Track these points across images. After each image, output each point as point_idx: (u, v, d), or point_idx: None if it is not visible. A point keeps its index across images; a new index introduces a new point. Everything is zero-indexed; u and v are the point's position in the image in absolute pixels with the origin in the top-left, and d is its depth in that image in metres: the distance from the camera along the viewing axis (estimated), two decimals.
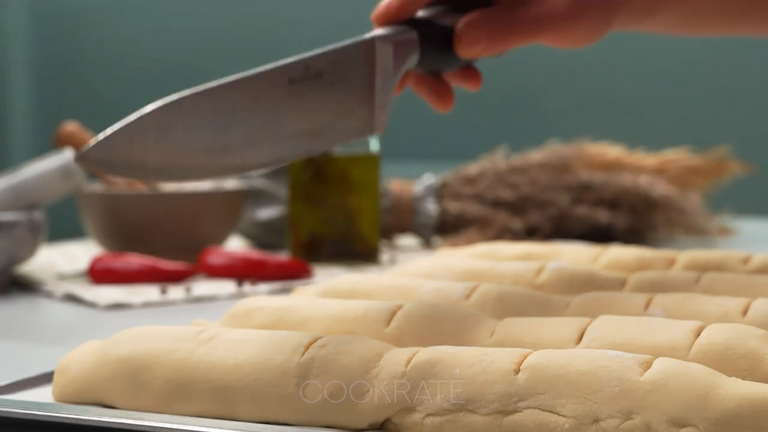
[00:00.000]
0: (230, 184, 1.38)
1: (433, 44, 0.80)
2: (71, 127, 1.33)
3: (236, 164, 0.71)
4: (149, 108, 0.67)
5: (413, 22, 0.79)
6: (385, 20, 0.79)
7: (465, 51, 0.81)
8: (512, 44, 0.82)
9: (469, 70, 0.85)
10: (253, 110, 0.71)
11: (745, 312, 0.73)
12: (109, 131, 0.65)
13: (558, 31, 0.83)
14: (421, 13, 0.81)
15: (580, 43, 0.85)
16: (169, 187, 1.37)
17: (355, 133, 0.77)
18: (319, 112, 0.74)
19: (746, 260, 0.89)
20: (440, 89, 0.84)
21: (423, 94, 0.85)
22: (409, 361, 0.64)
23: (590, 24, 0.84)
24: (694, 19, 0.92)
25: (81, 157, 0.65)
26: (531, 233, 1.40)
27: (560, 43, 0.84)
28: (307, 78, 0.73)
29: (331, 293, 0.86)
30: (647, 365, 0.60)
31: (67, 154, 1.23)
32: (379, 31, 0.78)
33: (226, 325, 0.78)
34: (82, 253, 1.40)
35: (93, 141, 0.65)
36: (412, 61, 0.80)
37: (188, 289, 1.14)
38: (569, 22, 0.83)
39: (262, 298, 0.79)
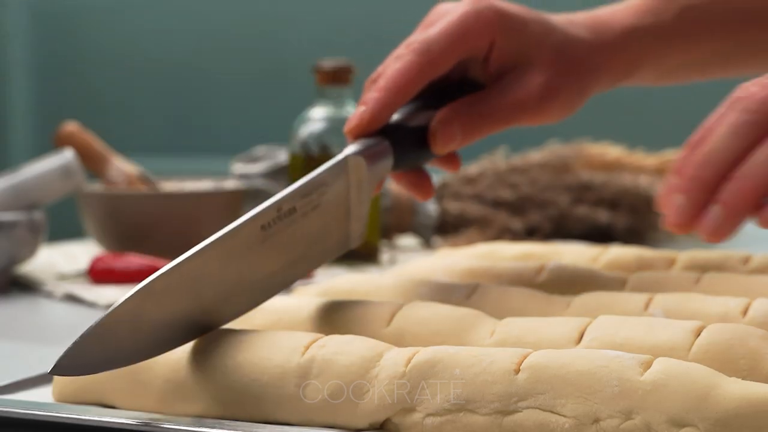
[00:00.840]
0: (230, 184, 1.38)
1: (406, 147, 0.80)
2: (71, 127, 1.33)
3: (214, 320, 0.69)
4: (120, 301, 0.64)
5: (385, 129, 0.79)
6: (358, 135, 0.79)
7: (441, 149, 0.81)
8: (487, 134, 0.82)
9: (449, 156, 0.85)
10: (227, 268, 0.69)
11: (745, 312, 0.73)
12: (79, 337, 0.63)
13: (533, 115, 0.83)
14: (393, 117, 0.80)
15: (556, 120, 0.85)
16: (169, 186, 1.37)
17: (332, 251, 0.77)
18: (295, 245, 0.73)
19: (746, 260, 0.89)
20: (419, 181, 0.84)
21: (403, 187, 0.84)
22: (409, 361, 0.64)
23: (564, 102, 0.84)
24: (670, 75, 0.93)
25: (55, 369, 0.63)
26: (531, 233, 1.40)
27: (537, 123, 0.84)
28: (280, 219, 0.71)
29: (331, 293, 0.86)
30: (647, 365, 0.60)
31: (67, 154, 1.23)
32: (350, 148, 0.77)
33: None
34: (82, 253, 1.40)
35: (65, 350, 0.63)
36: (387, 168, 0.79)
37: None
38: (543, 105, 0.83)
39: None
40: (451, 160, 0.85)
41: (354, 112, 0.79)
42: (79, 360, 0.63)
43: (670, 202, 0.63)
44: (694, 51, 0.91)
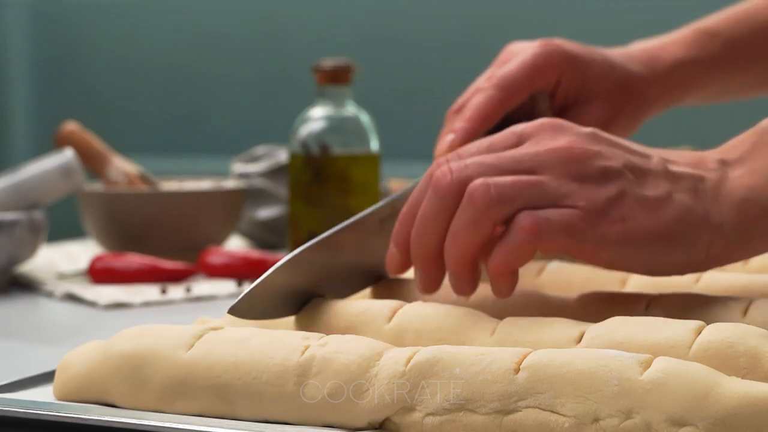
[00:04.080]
0: (230, 183, 1.38)
1: None
2: (71, 126, 1.33)
3: (335, 293, 0.81)
4: (276, 265, 0.77)
5: None
6: None
7: None
8: None
9: None
10: (351, 249, 0.81)
11: (745, 312, 0.73)
12: (246, 290, 0.76)
13: None
14: None
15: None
16: (169, 186, 1.37)
17: None
18: None
19: (746, 260, 0.89)
20: None
21: None
22: (409, 361, 0.64)
23: (620, 131, 0.95)
24: (713, 98, 1.05)
25: (232, 310, 0.75)
26: None
27: None
28: (393, 216, 0.82)
29: None
30: (647, 364, 0.60)
31: (68, 154, 1.23)
32: None
33: (231, 322, 0.78)
34: (82, 252, 1.40)
35: (242, 296, 0.76)
36: None
37: (188, 289, 1.14)
38: (604, 128, 0.93)
39: None
40: None
41: (443, 139, 0.89)
42: (249, 307, 0.76)
43: (391, 260, 0.79)
44: (736, 78, 1.03)
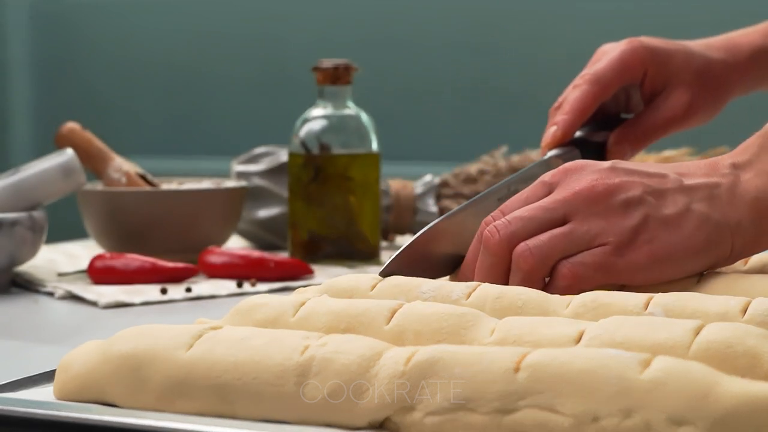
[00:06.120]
0: (230, 183, 1.38)
1: (588, 156, 1.00)
2: (71, 126, 1.33)
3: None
4: (419, 233, 0.87)
5: (574, 142, 1.03)
6: (553, 146, 1.01)
7: None
8: (649, 145, 1.05)
9: None
10: (474, 227, 0.87)
11: (744, 311, 0.73)
12: (390, 259, 0.86)
13: (680, 126, 1.05)
14: (577, 134, 1.04)
15: (700, 124, 1.07)
16: (169, 185, 1.37)
17: None
18: None
19: (746, 260, 0.89)
20: None
21: None
22: (408, 360, 0.64)
23: (705, 113, 1.05)
24: None
25: (383, 272, 0.84)
26: None
27: (683, 129, 1.06)
28: (508, 196, 0.90)
29: (332, 292, 0.86)
30: (647, 364, 0.60)
31: (68, 153, 1.23)
32: (552, 152, 1.01)
33: (230, 322, 0.78)
34: (82, 252, 1.40)
35: (390, 261, 0.86)
36: None
37: (188, 289, 1.14)
38: (688, 118, 1.05)
39: (266, 295, 0.79)
40: None
41: (547, 131, 1.02)
42: (397, 270, 0.84)
43: None
44: None
